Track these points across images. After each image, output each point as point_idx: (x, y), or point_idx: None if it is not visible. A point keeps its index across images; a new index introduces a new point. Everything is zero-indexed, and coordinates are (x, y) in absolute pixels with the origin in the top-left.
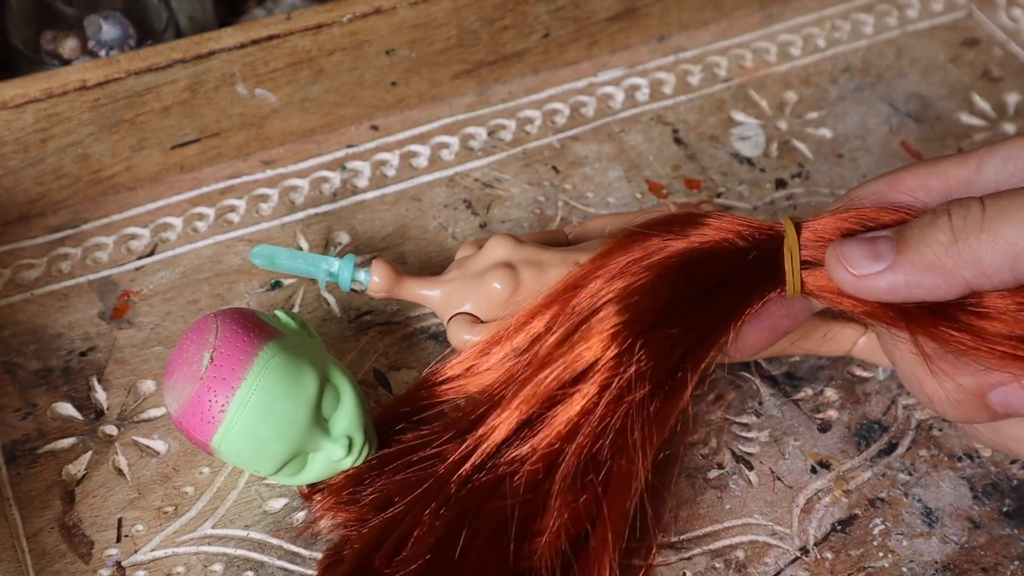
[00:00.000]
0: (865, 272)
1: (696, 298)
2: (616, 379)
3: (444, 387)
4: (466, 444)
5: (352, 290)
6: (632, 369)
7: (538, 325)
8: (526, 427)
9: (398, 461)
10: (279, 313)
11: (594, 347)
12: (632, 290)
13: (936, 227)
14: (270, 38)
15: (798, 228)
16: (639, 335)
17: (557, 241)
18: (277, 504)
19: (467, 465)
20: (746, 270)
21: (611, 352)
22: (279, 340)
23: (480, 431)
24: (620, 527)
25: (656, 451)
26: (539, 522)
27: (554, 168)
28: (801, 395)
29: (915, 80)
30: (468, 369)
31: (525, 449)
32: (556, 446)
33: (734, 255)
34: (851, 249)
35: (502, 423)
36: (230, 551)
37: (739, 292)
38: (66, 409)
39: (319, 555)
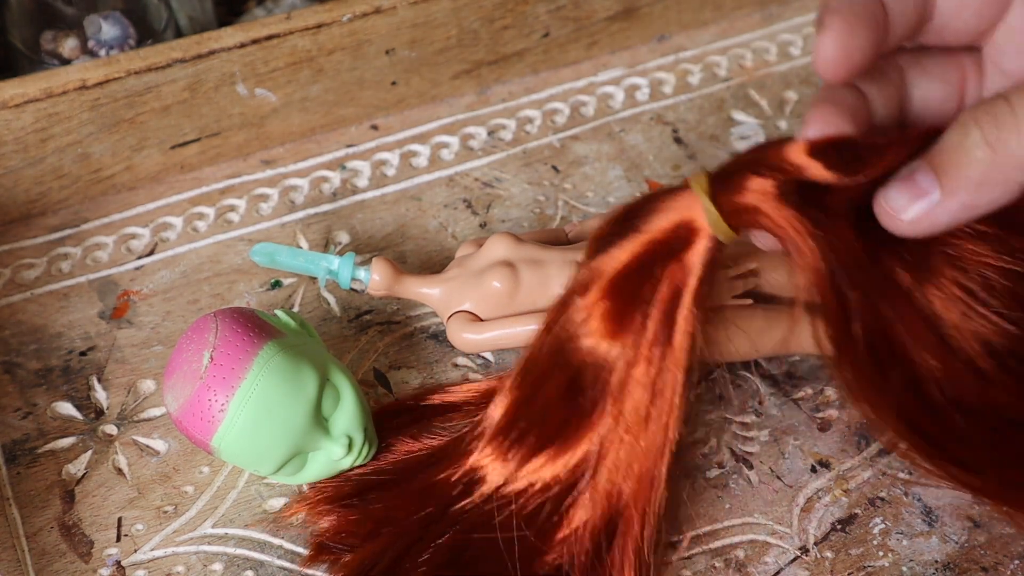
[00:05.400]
0: (917, 213)
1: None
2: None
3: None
4: (477, 474)
5: (352, 289)
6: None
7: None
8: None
9: (401, 474)
10: (279, 313)
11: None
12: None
13: (970, 143)
14: (270, 38)
15: (709, 179)
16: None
17: (557, 240)
18: (277, 503)
19: (475, 496)
20: (674, 242)
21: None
22: (279, 340)
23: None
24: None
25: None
26: (547, 550)
27: (554, 168)
28: (801, 394)
29: None
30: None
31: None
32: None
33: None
34: (893, 195)
35: (531, 473)
36: (230, 550)
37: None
38: (66, 409)
39: None
